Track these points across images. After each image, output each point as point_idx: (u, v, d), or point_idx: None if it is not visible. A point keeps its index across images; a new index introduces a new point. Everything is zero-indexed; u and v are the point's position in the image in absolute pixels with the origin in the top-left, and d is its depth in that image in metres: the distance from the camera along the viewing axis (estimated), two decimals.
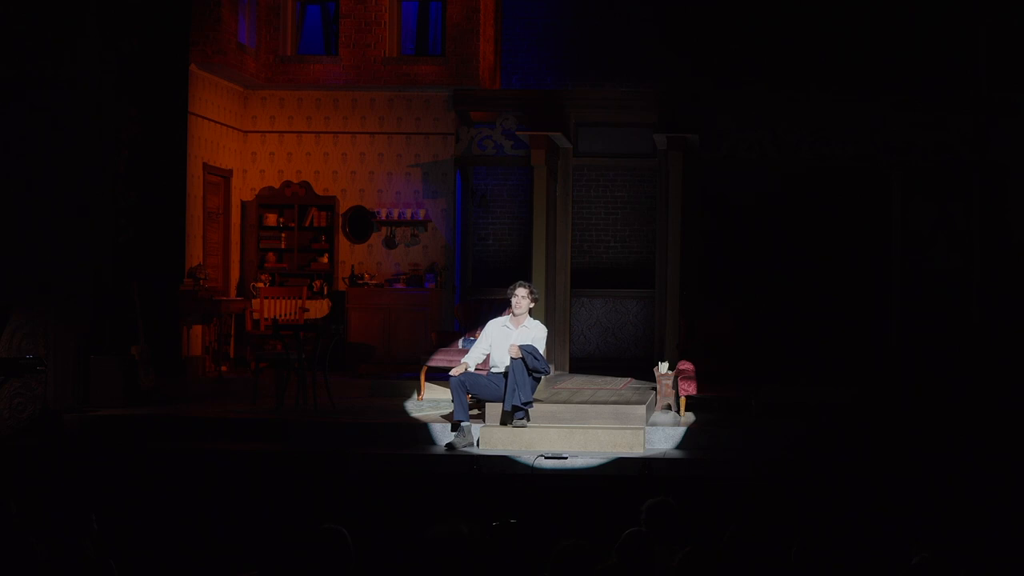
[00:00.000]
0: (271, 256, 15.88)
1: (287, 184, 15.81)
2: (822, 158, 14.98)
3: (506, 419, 11.01)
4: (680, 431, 11.20)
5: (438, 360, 13.37)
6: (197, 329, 14.19)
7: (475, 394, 11.16)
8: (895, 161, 14.80)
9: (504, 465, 10.21)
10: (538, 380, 11.27)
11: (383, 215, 15.69)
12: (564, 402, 11.60)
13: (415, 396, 13.26)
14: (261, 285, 15.28)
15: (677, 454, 10.76)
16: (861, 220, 15.66)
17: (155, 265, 13.41)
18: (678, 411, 12.15)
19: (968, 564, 5.70)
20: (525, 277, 14.93)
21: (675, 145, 14.30)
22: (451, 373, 11.10)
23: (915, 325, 14.62)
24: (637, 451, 10.70)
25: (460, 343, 13.69)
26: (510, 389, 10.86)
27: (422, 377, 13.28)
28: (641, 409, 11.28)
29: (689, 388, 12.12)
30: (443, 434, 11.15)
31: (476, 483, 9.98)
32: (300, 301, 14.72)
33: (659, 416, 12.00)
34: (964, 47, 16.72)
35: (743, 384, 12.31)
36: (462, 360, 11.41)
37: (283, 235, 15.90)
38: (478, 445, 10.86)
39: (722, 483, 9.77)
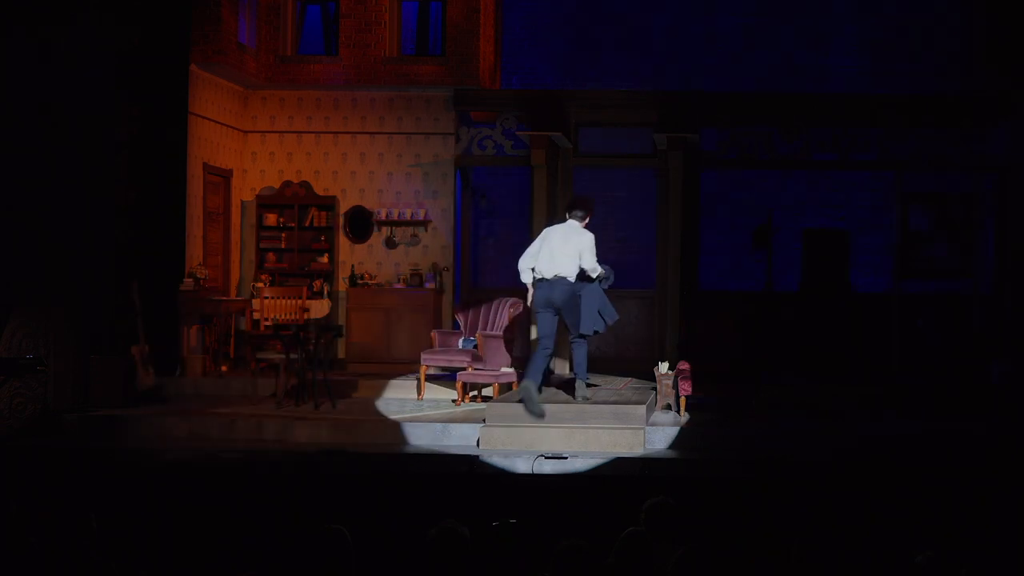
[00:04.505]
0: (271, 256, 15.88)
1: (287, 184, 15.80)
2: (823, 158, 14.99)
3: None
4: (680, 431, 11.20)
5: (438, 360, 13.38)
6: (197, 329, 14.19)
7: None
8: (896, 161, 14.81)
9: (504, 465, 10.21)
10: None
11: (383, 215, 15.69)
12: (564, 402, 11.59)
13: (415, 396, 13.27)
14: (261, 285, 15.27)
15: (677, 454, 10.76)
16: (861, 220, 15.68)
17: (155, 265, 13.42)
18: (678, 411, 12.14)
19: (970, 564, 5.70)
20: None
21: (675, 145, 14.31)
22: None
23: (915, 325, 14.62)
24: (637, 451, 10.70)
25: (460, 343, 13.70)
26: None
27: (422, 377, 13.29)
28: (641, 409, 11.28)
29: (689, 388, 12.12)
30: (443, 434, 11.14)
31: (476, 483, 9.98)
32: (300, 301, 14.72)
33: (659, 416, 12.00)
34: (964, 46, 16.73)
35: (743, 384, 12.32)
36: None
37: (283, 235, 15.90)
38: (479, 445, 10.87)
39: (722, 483, 9.77)
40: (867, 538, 7.36)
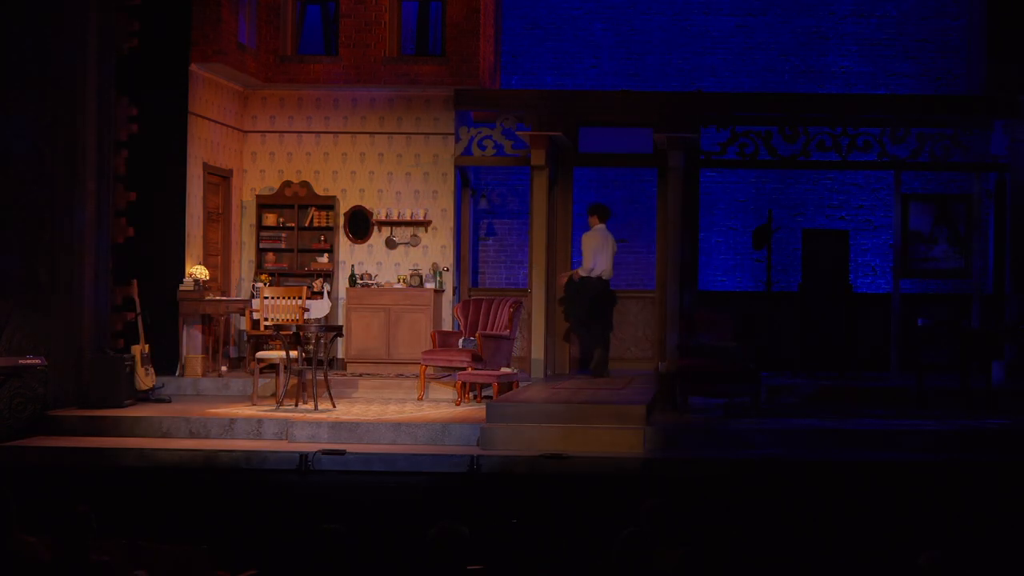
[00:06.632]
0: (271, 256, 15.87)
1: (287, 184, 15.80)
2: (823, 158, 14.97)
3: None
4: (680, 431, 11.19)
5: (438, 360, 13.38)
6: (197, 329, 14.20)
7: None
8: (896, 161, 14.80)
9: (504, 465, 10.20)
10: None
11: (383, 215, 15.69)
12: (564, 402, 11.59)
13: (415, 396, 13.26)
14: (261, 285, 15.27)
15: (677, 454, 10.75)
16: (861, 220, 15.66)
17: (155, 265, 13.42)
18: (678, 411, 12.14)
19: (973, 565, 5.70)
20: (524, 277, 14.93)
21: (675, 145, 14.28)
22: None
23: (915, 325, 14.61)
24: (637, 451, 10.70)
25: (460, 343, 13.70)
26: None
27: (422, 377, 13.29)
28: (641, 409, 11.27)
29: (688, 388, 12.11)
30: (443, 434, 11.14)
31: (476, 483, 9.98)
32: (300, 301, 14.71)
33: (659, 416, 12.00)
34: (964, 46, 16.73)
35: (743, 384, 12.31)
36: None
37: (283, 235, 15.89)
38: (478, 445, 10.87)
39: (722, 483, 9.77)
40: (868, 538, 7.37)
